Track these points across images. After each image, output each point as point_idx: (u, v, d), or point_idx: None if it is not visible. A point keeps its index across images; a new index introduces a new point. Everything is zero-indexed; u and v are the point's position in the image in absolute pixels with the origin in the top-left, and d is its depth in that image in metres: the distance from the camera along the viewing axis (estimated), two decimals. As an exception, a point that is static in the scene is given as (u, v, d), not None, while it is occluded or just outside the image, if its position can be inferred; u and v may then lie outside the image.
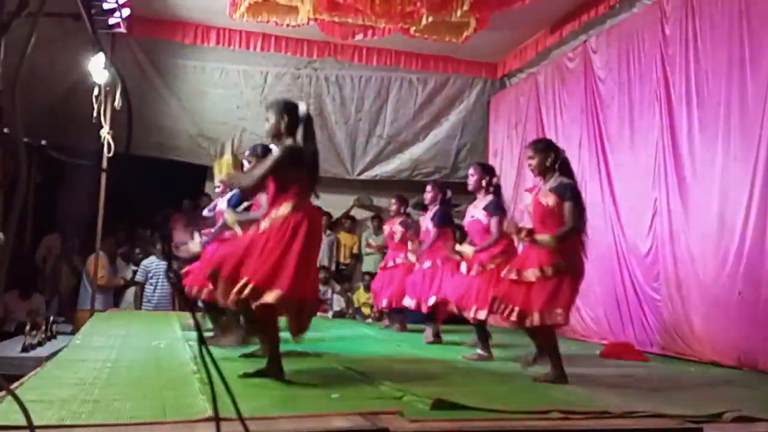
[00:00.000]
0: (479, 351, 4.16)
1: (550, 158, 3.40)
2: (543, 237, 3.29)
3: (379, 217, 7.68)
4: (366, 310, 7.31)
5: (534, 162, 3.45)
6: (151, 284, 6.73)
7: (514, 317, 3.28)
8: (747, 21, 4.25)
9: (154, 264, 6.74)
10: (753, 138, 4.12)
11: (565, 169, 3.44)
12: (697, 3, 4.71)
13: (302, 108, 3.07)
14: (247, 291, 2.78)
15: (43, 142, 4.84)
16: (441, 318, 5.00)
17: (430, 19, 5.63)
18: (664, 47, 5.01)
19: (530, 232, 3.37)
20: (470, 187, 4.37)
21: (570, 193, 3.33)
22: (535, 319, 3.22)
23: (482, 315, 4.04)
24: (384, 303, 5.65)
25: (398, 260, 5.67)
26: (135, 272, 6.96)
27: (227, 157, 3.65)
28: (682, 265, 4.67)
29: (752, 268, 4.05)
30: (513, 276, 3.33)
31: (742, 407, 2.52)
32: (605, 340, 5.21)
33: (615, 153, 5.58)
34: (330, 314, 7.33)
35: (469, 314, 4.14)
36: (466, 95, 8.07)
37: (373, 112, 7.86)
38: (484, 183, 4.27)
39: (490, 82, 8.09)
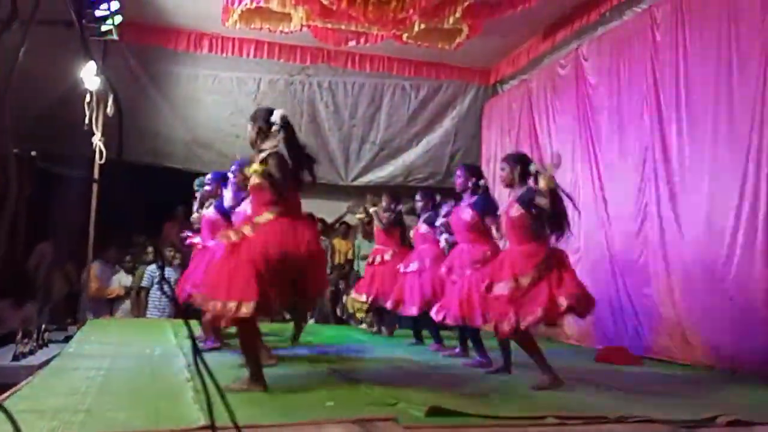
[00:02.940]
0: (478, 357, 4.16)
1: (516, 171, 3.48)
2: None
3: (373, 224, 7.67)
4: (360, 316, 7.30)
5: (503, 174, 3.55)
6: (157, 290, 6.69)
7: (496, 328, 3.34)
8: (735, 28, 4.30)
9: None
10: (742, 143, 4.16)
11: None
12: (687, 10, 4.75)
13: (276, 114, 3.10)
14: (221, 308, 2.79)
15: (33, 153, 4.80)
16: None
17: (423, 26, 5.66)
18: (655, 54, 5.06)
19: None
20: (457, 188, 4.44)
21: (528, 197, 3.39)
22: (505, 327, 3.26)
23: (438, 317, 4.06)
24: (389, 304, 5.61)
25: (386, 257, 5.64)
26: (140, 279, 6.92)
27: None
28: (673, 270, 4.69)
29: (743, 273, 4.08)
30: (493, 290, 3.36)
31: (736, 411, 2.53)
32: (600, 345, 5.22)
33: (606, 159, 5.61)
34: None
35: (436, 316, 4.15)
36: (459, 101, 8.10)
37: (366, 118, 7.87)
38: (470, 184, 4.31)
39: (482, 88, 8.13)
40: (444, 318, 4.12)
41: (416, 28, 5.69)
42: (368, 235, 7.35)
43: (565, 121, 6.27)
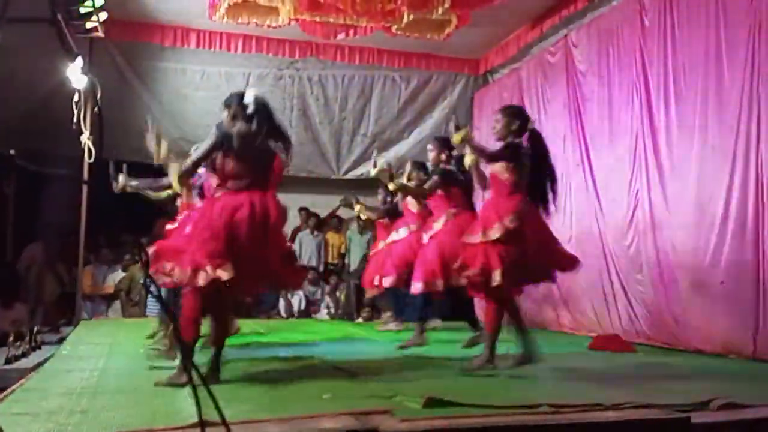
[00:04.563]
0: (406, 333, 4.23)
1: (514, 125, 3.33)
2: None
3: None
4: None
5: (498, 126, 3.38)
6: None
7: (477, 278, 3.16)
8: (723, 12, 4.30)
9: None
10: (731, 128, 4.17)
11: (535, 141, 3.34)
12: (675, -5, 4.76)
13: (247, 95, 3.03)
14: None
15: (12, 152, 4.68)
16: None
17: (412, 17, 5.62)
18: (643, 40, 5.06)
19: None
20: (430, 162, 4.42)
21: (509, 150, 3.27)
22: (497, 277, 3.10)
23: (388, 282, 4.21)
24: (387, 282, 5.56)
25: (380, 245, 5.65)
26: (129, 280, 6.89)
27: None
28: (664, 256, 4.71)
29: (734, 257, 4.10)
30: (477, 239, 3.22)
31: (729, 394, 2.55)
32: (593, 332, 5.24)
33: (596, 146, 5.62)
34: (319, 315, 7.33)
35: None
36: (450, 92, 8.07)
37: (356, 111, 7.83)
38: (443, 157, 4.30)
39: (473, 78, 8.10)
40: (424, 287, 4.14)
41: (405, 20, 5.66)
42: (363, 228, 7.36)
43: (555, 109, 6.27)
